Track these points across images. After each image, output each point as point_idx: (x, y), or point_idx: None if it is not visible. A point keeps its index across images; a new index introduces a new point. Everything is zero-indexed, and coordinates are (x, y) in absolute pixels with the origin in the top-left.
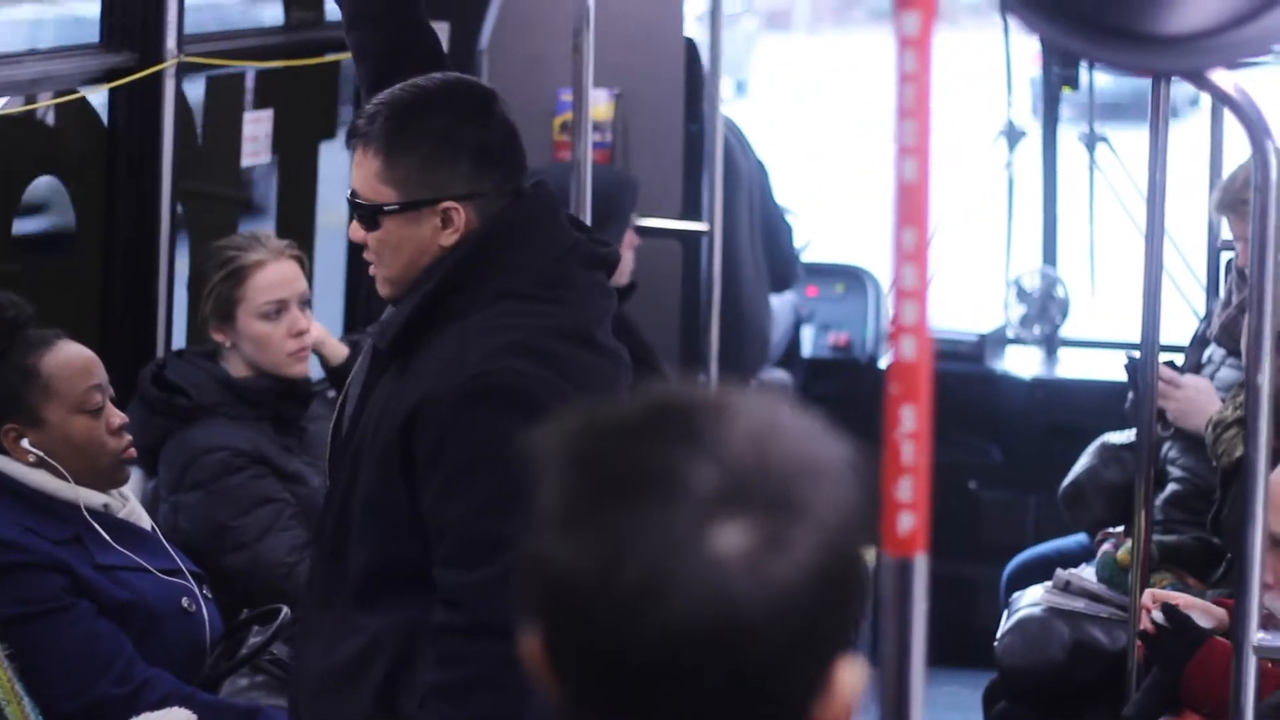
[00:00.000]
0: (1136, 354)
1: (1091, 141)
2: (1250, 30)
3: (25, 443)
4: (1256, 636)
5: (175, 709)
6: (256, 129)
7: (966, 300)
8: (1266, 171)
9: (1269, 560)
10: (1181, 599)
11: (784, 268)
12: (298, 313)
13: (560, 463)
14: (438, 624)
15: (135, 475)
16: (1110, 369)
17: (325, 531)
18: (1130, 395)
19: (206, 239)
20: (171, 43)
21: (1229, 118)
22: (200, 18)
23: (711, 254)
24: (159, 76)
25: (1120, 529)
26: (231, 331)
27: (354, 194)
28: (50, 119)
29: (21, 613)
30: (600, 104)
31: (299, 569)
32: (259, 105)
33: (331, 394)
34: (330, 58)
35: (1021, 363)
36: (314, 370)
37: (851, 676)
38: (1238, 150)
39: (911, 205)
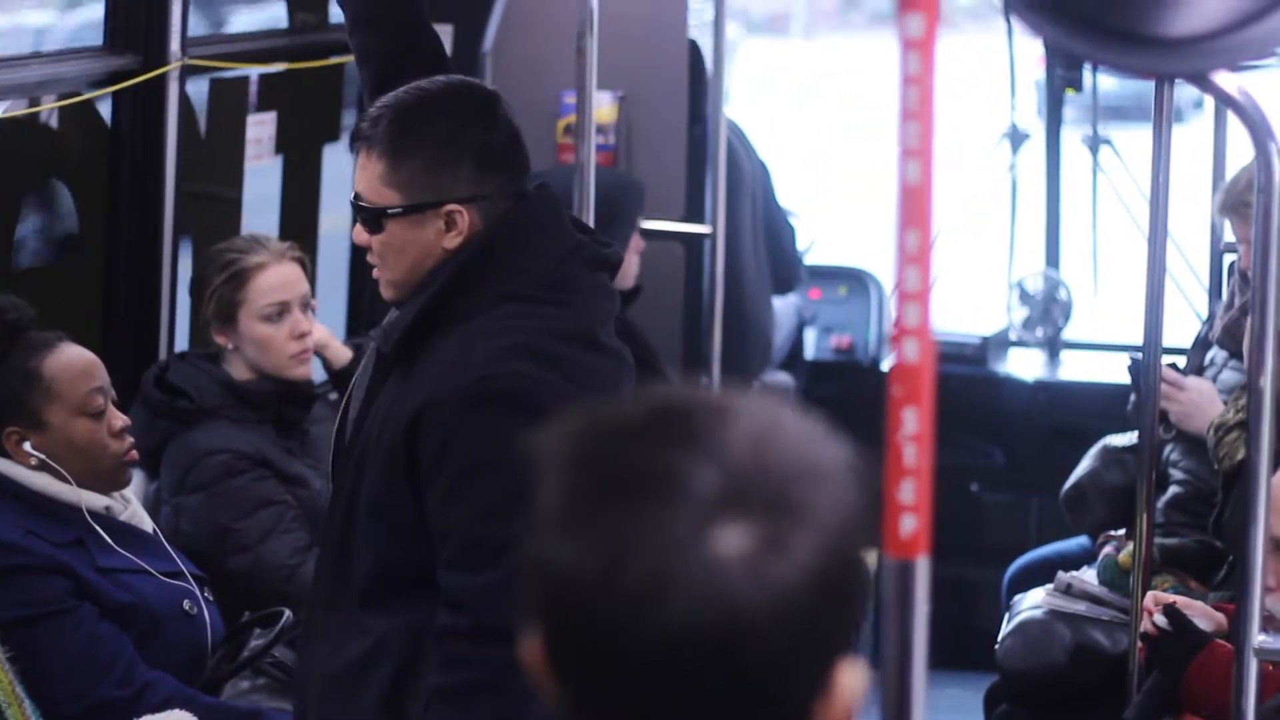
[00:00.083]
0: (1139, 356)
1: (1095, 144)
2: (1254, 32)
3: (27, 445)
4: (1258, 639)
5: (176, 711)
6: (260, 131)
7: (969, 302)
8: (1270, 174)
9: (1270, 563)
10: (1181, 602)
11: (786, 270)
12: (299, 315)
13: (562, 464)
14: (441, 627)
15: (137, 478)
16: (1112, 371)
17: (330, 534)
18: (1132, 397)
19: (209, 241)
20: (175, 45)
21: (1232, 120)
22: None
23: (714, 256)
24: (162, 79)
25: (1122, 531)
26: (233, 334)
27: (357, 197)
28: (54, 122)
29: (23, 615)
30: (603, 106)
31: (301, 571)
32: (262, 108)
33: (333, 396)
34: (333, 60)
35: (1024, 365)
36: (316, 373)
37: (852, 679)
38: (1241, 153)
39: (915, 207)
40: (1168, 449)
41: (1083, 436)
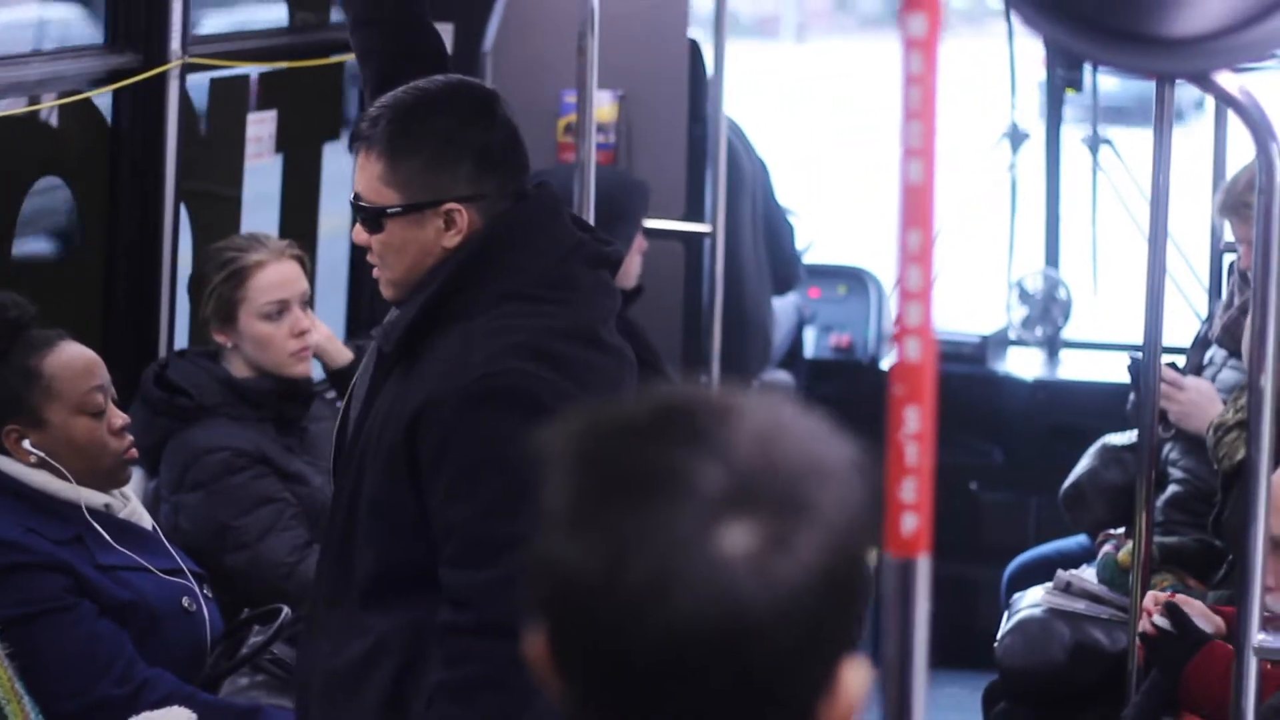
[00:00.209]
0: (1139, 355)
1: (1095, 144)
2: (1255, 33)
3: (27, 443)
4: (1257, 638)
5: (176, 708)
6: (260, 130)
7: (969, 302)
8: (1271, 174)
9: (1270, 562)
10: (1179, 598)
11: (786, 269)
12: (299, 313)
13: (567, 463)
14: (443, 624)
15: (136, 475)
16: (1112, 371)
17: (332, 533)
18: (1132, 397)
19: (209, 240)
20: (176, 44)
21: (1233, 121)
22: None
23: (714, 255)
24: (163, 78)
25: (1121, 530)
26: (233, 332)
27: (357, 196)
28: (54, 120)
29: (23, 613)
30: (604, 105)
31: (300, 569)
32: (262, 106)
33: (330, 395)
34: (334, 59)
35: (1023, 364)
36: (314, 371)
37: (856, 677)
38: (1241, 154)
39: (917, 207)
40: (1167, 448)
41: (1082, 435)
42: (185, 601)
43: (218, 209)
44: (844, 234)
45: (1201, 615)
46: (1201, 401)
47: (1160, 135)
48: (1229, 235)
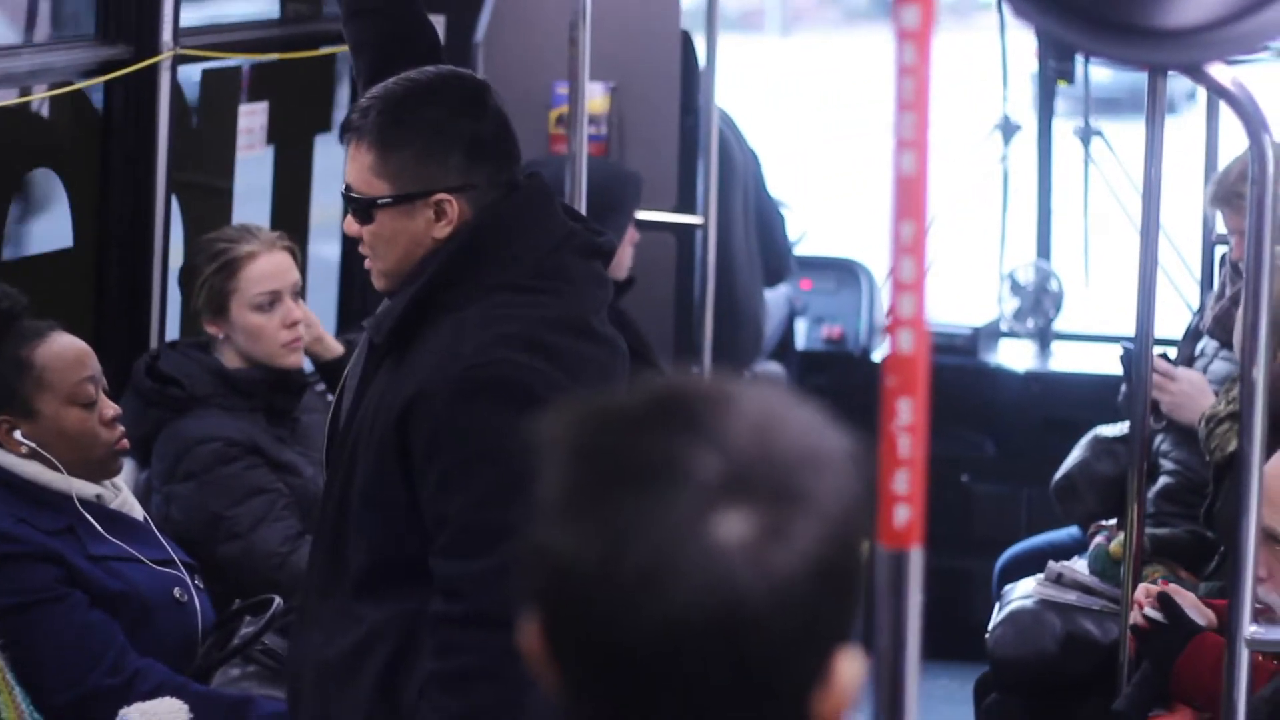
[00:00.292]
0: (1131, 347)
1: (1086, 136)
2: (1247, 25)
3: (18, 434)
4: (1249, 630)
5: (167, 699)
6: (251, 121)
7: (960, 293)
8: (1263, 165)
9: (1262, 554)
10: (1170, 588)
11: (778, 261)
12: (290, 303)
13: (561, 452)
14: (436, 614)
15: (128, 466)
16: (1104, 362)
17: (324, 524)
18: (1123, 388)
19: (200, 231)
20: (167, 35)
21: (1225, 113)
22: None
23: (706, 247)
24: (154, 69)
25: (1112, 521)
26: (225, 324)
27: (348, 188)
28: (45, 111)
29: (15, 603)
30: (595, 97)
31: (292, 559)
32: (254, 98)
33: (320, 387)
34: (326, 50)
35: (1015, 356)
36: (305, 362)
37: (851, 667)
38: (1233, 145)
39: (910, 198)
40: (1158, 439)
41: (1074, 427)
42: (177, 592)
43: (209, 200)
44: (834, 226)
45: (1193, 607)
46: (1193, 393)
47: (1152, 127)
48: (1221, 227)
